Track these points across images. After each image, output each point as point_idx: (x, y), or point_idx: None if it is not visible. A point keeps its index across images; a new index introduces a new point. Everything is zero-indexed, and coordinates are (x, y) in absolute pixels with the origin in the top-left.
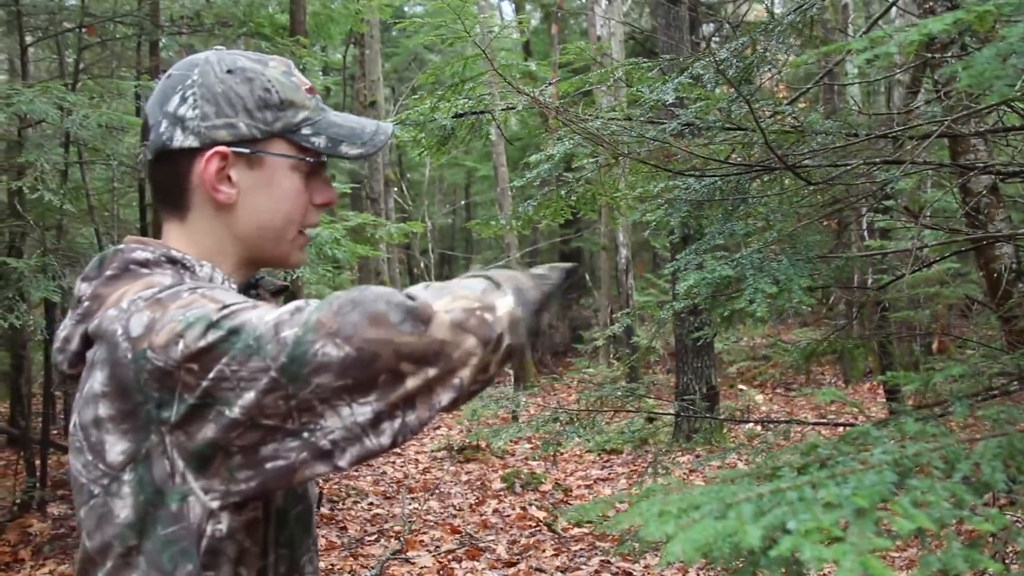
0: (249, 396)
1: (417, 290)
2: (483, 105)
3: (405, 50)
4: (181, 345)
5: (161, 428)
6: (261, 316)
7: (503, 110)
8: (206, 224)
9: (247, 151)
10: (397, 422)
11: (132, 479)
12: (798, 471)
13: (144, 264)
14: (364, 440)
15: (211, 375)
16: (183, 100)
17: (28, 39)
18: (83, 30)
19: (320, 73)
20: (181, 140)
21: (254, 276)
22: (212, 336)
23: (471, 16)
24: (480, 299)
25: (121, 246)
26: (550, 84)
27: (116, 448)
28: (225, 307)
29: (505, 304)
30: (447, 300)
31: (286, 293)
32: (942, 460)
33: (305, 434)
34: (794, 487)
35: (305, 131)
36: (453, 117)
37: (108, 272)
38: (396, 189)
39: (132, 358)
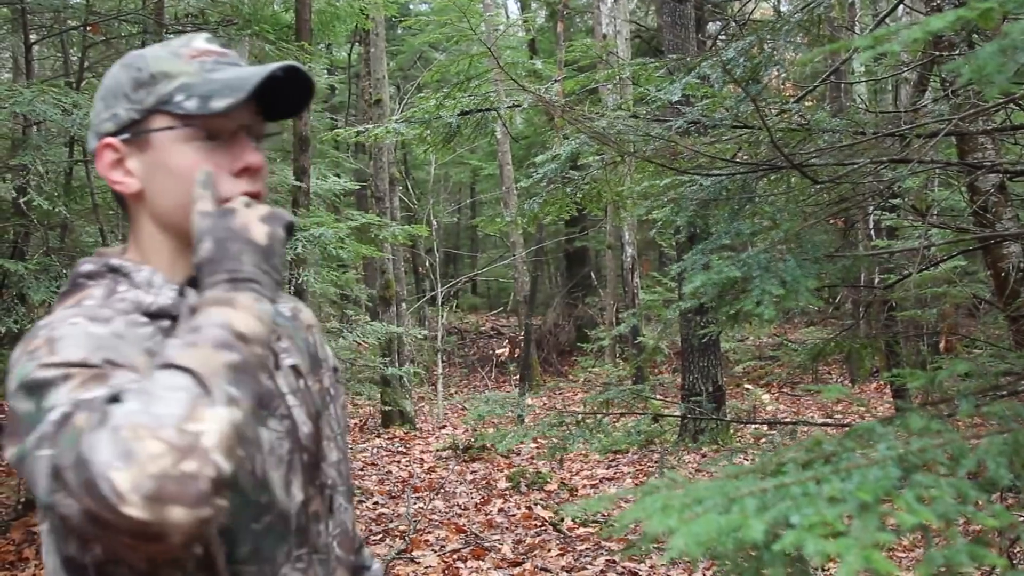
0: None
1: (109, 443)
2: (489, 103)
3: (410, 48)
4: (10, 394)
5: None
6: (51, 406)
7: (509, 108)
8: (137, 219)
9: (129, 135)
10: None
11: None
12: (802, 467)
13: (90, 276)
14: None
15: (11, 449)
16: (94, 107)
17: (32, 37)
18: (87, 28)
19: (325, 72)
20: (91, 144)
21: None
22: (23, 407)
23: (476, 14)
24: (178, 441)
25: (82, 259)
26: (556, 82)
27: None
28: (48, 364)
29: (213, 425)
30: (139, 466)
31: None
32: (947, 456)
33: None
34: (798, 482)
35: (179, 98)
36: (459, 115)
37: (64, 288)
38: (401, 187)
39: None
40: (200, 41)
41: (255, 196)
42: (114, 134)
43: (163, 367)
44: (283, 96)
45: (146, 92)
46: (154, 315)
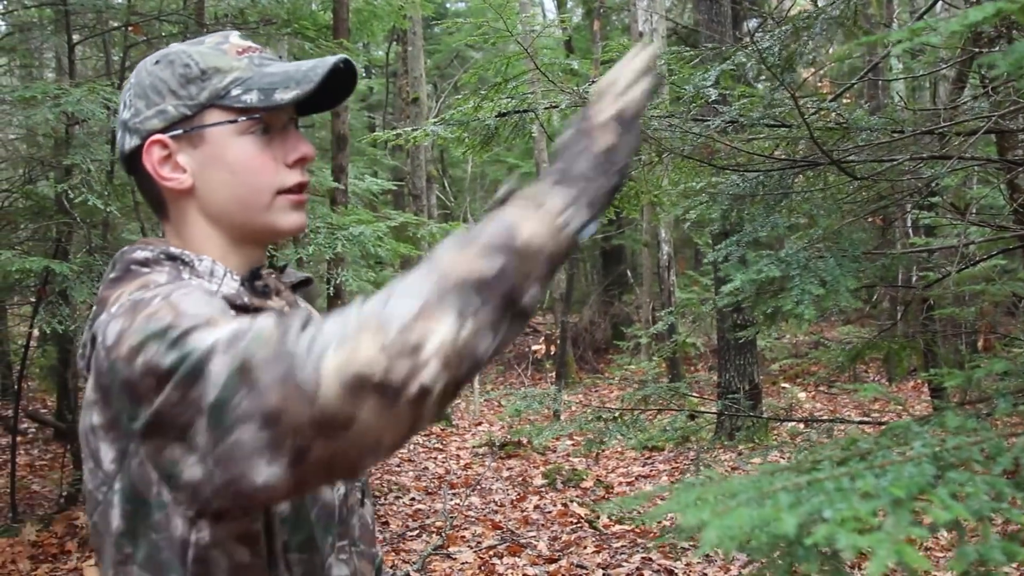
0: (197, 424)
1: (332, 328)
2: (526, 104)
3: (447, 47)
4: (141, 359)
5: (135, 438)
6: (207, 336)
7: (546, 108)
8: (183, 216)
9: (181, 131)
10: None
11: (120, 487)
12: (838, 464)
13: (144, 263)
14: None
15: (163, 395)
16: (123, 105)
17: (75, 37)
18: (129, 29)
19: (363, 72)
20: (128, 143)
21: (260, 264)
22: (164, 355)
23: (512, 14)
24: (398, 339)
25: (127, 247)
26: (594, 82)
27: (108, 456)
28: (182, 318)
29: (440, 330)
30: (352, 353)
31: (309, 287)
32: (983, 454)
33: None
34: (832, 477)
35: (235, 92)
36: (496, 116)
37: (112, 275)
38: (438, 185)
39: (108, 367)
40: (237, 38)
41: (305, 186)
42: (162, 130)
43: (423, 264)
44: (321, 90)
45: (197, 88)
46: None
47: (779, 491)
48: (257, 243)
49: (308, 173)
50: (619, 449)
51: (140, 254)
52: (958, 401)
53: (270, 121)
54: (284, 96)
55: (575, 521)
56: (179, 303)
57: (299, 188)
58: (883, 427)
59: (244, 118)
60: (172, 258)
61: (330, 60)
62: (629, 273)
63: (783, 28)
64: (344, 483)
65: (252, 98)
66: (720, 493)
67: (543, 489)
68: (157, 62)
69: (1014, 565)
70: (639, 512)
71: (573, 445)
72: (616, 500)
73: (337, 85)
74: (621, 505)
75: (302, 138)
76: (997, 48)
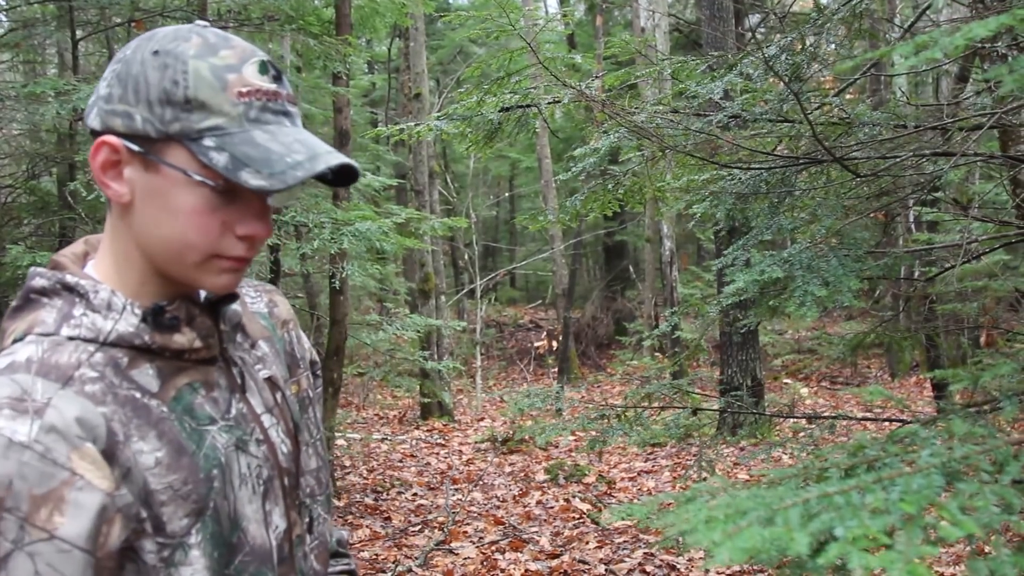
0: None
1: None
2: (529, 98)
3: (450, 43)
4: None
5: None
6: None
7: (549, 103)
8: (117, 225)
9: (137, 148)
10: None
11: None
12: (845, 472)
13: (43, 292)
14: None
15: None
16: (105, 78)
17: (78, 33)
18: (132, 25)
19: (365, 67)
20: (91, 120)
21: (186, 293)
22: None
23: (516, 9)
24: None
25: (35, 269)
26: (596, 77)
27: None
28: None
29: None
30: None
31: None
32: (990, 462)
33: None
34: (841, 491)
35: (207, 142)
36: (500, 111)
37: (15, 303)
38: (440, 181)
39: None
40: (252, 71)
41: (247, 260)
42: (121, 135)
43: None
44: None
45: (173, 114)
46: (113, 344)
47: (789, 508)
48: (175, 283)
49: (253, 250)
50: (621, 445)
51: (38, 282)
52: (962, 402)
53: (233, 187)
54: (251, 179)
55: (577, 517)
56: None
57: (238, 260)
58: (887, 424)
59: (199, 172)
60: (68, 288)
61: (319, 164)
62: (631, 269)
63: (789, 37)
64: (287, 516)
65: (219, 160)
66: (729, 510)
67: (545, 484)
68: (156, 53)
69: None
70: (645, 518)
71: (575, 441)
72: (622, 507)
73: (339, 173)
74: (628, 512)
75: (265, 215)
76: (1000, 43)
